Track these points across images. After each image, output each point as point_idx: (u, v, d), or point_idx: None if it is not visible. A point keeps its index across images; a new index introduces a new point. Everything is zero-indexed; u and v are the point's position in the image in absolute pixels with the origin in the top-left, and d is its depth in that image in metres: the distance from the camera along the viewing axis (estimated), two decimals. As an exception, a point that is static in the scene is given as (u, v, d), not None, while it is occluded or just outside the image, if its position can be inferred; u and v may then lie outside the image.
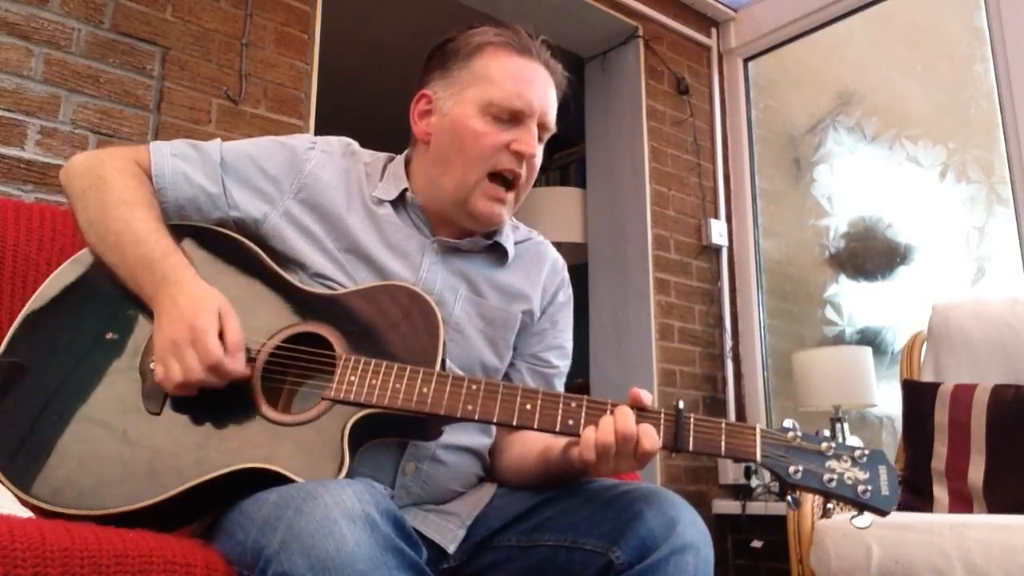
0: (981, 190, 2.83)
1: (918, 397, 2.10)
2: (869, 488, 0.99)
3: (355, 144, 1.30)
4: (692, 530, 1.00)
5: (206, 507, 1.00)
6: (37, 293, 1.12)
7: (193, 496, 0.97)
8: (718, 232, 3.27)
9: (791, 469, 1.00)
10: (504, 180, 1.20)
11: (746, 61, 3.52)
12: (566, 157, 3.92)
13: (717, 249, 3.29)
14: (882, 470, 1.01)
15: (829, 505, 1.02)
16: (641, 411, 1.02)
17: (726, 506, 2.96)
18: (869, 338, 3.05)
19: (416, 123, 1.25)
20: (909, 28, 3.19)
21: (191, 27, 2.13)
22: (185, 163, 1.19)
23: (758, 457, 1.00)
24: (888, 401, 2.82)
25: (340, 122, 2.55)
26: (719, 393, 3.15)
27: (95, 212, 1.12)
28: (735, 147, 3.43)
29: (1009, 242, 2.60)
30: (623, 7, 3.19)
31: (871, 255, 3.14)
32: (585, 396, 1.03)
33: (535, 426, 1.02)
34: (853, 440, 1.04)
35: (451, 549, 1.10)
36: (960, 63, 2.97)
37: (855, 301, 3.17)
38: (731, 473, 3.01)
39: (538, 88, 1.21)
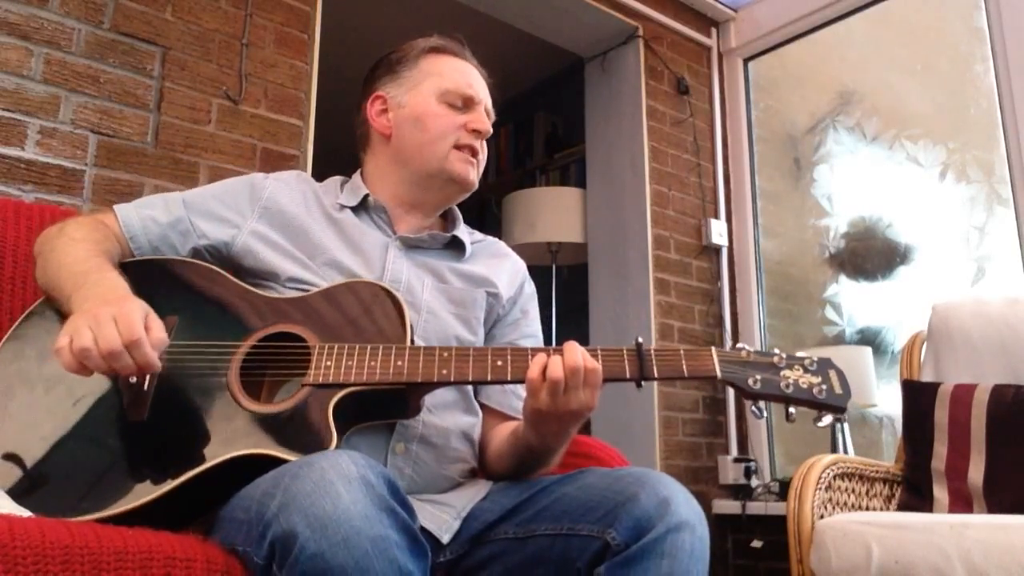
0: (981, 190, 2.83)
1: (918, 397, 2.10)
2: (823, 388, 1.07)
3: (306, 174, 1.41)
4: (686, 508, 1.01)
5: (202, 504, 1.01)
6: (9, 333, 1.14)
7: (188, 492, 0.97)
8: (718, 232, 3.26)
9: (750, 380, 1.07)
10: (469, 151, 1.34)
11: (746, 61, 3.52)
12: (566, 157, 3.91)
13: (717, 249, 3.29)
14: (832, 373, 1.10)
15: (791, 410, 1.09)
16: (604, 349, 1.09)
17: (726, 506, 2.96)
18: (869, 338, 3.05)
19: (375, 120, 1.37)
20: (909, 28, 3.19)
21: (191, 27, 2.13)
22: (151, 210, 1.28)
23: (718, 373, 1.07)
24: (888, 401, 2.82)
25: (340, 122, 2.55)
26: (719, 393, 3.15)
27: (45, 253, 1.18)
28: (735, 147, 3.43)
29: (1009, 242, 2.60)
30: (623, 7, 3.19)
31: (871, 255, 3.14)
32: (552, 347, 1.08)
33: (508, 377, 1.07)
34: (800, 352, 1.13)
35: (445, 539, 1.11)
36: (960, 63, 2.97)
37: (855, 301, 3.17)
38: (731, 473, 3.01)
39: (477, 83, 1.38)
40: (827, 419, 1.08)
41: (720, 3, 3.44)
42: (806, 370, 1.08)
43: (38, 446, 1.02)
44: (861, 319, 3.13)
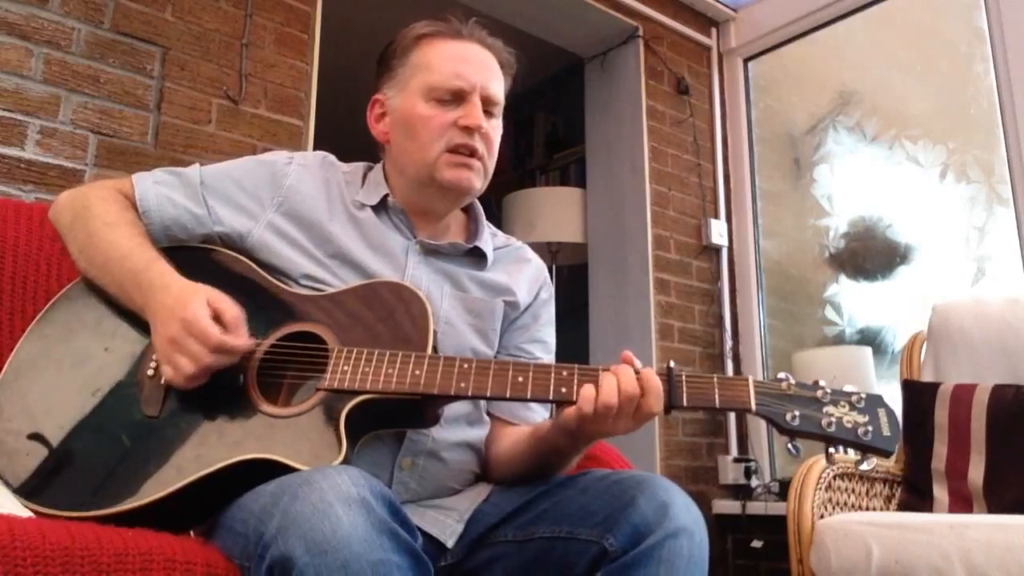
0: (981, 190, 2.83)
1: (918, 397, 2.10)
2: (870, 429, 0.99)
3: (332, 156, 1.34)
4: (685, 514, 1.00)
5: (209, 504, 1.01)
6: (39, 317, 1.14)
7: (195, 492, 0.97)
8: (718, 232, 3.27)
9: (788, 416, 1.00)
10: (463, 153, 1.23)
11: (746, 61, 3.52)
12: (566, 157, 3.91)
13: (717, 249, 3.29)
14: (881, 412, 1.01)
15: (831, 450, 1.02)
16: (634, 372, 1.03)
17: (726, 506, 2.96)
18: (869, 338, 3.05)
19: (374, 127, 1.30)
20: (909, 28, 3.19)
21: (191, 27, 2.13)
22: (168, 188, 1.23)
23: (753, 406, 1.00)
24: (888, 401, 2.81)
25: (340, 122, 2.55)
26: (719, 393, 3.14)
27: (82, 238, 1.16)
28: (735, 147, 3.43)
29: (1009, 242, 2.60)
30: (623, 7, 3.19)
31: (871, 255, 3.14)
32: (576, 364, 1.04)
33: (528, 396, 1.03)
34: (849, 386, 1.03)
35: (450, 543, 1.11)
36: (960, 63, 2.97)
37: (855, 301, 3.17)
38: (731, 473, 3.01)
39: (474, 65, 1.25)
40: (870, 463, 1.00)
41: (720, 3, 3.44)
42: (852, 407, 1.01)
43: (54, 435, 1.03)
44: (861, 319, 3.13)
